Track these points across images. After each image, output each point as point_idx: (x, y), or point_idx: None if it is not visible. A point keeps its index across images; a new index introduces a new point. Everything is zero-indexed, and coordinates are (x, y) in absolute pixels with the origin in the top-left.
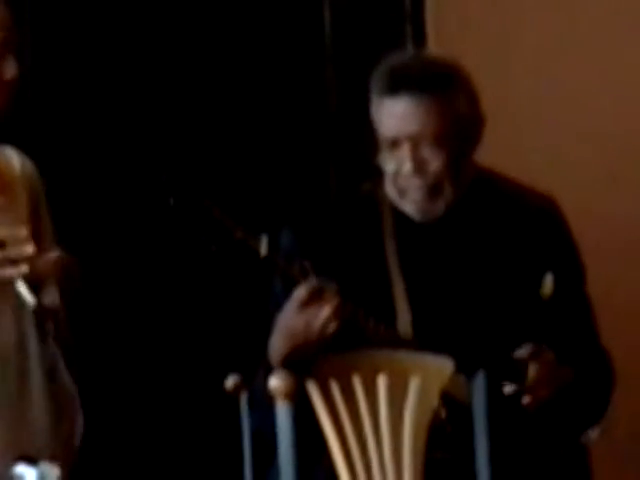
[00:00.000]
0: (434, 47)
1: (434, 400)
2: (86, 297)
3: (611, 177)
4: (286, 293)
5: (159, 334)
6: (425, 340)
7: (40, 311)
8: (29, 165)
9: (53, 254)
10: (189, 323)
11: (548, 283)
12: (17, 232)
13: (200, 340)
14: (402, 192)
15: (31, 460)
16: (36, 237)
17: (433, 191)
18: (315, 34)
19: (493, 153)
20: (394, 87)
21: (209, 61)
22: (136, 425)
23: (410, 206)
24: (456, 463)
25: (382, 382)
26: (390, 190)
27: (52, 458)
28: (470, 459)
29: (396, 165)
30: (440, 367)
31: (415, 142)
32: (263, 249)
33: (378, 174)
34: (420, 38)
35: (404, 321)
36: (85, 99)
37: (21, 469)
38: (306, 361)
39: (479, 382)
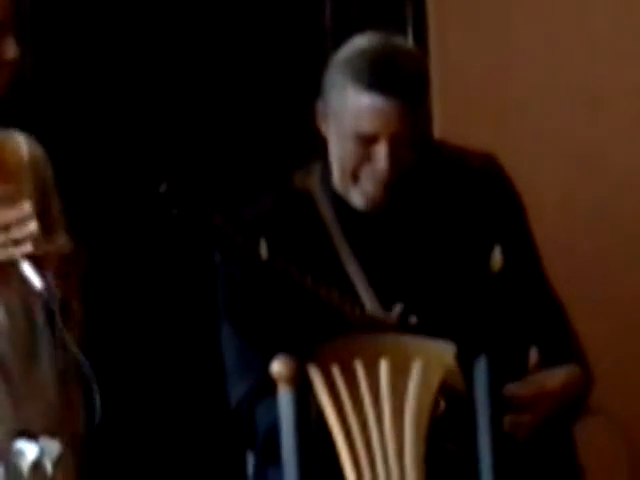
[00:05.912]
0: (435, 31)
1: (436, 384)
2: (91, 288)
3: None
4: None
5: (162, 332)
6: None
7: (47, 294)
8: (38, 151)
9: (52, 246)
10: (193, 320)
11: (497, 257)
12: (21, 211)
13: (203, 337)
14: (355, 182)
15: (31, 435)
16: (45, 226)
17: (390, 185)
18: (315, 18)
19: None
20: (379, 84)
21: (210, 60)
22: (139, 421)
23: (358, 196)
24: (465, 455)
25: (384, 366)
26: (337, 179)
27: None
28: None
29: (361, 158)
30: (442, 351)
31: (395, 141)
32: (263, 253)
33: (308, 163)
34: (420, 22)
35: (371, 304)
36: (86, 97)
37: (21, 445)
38: (308, 346)
39: (481, 365)
